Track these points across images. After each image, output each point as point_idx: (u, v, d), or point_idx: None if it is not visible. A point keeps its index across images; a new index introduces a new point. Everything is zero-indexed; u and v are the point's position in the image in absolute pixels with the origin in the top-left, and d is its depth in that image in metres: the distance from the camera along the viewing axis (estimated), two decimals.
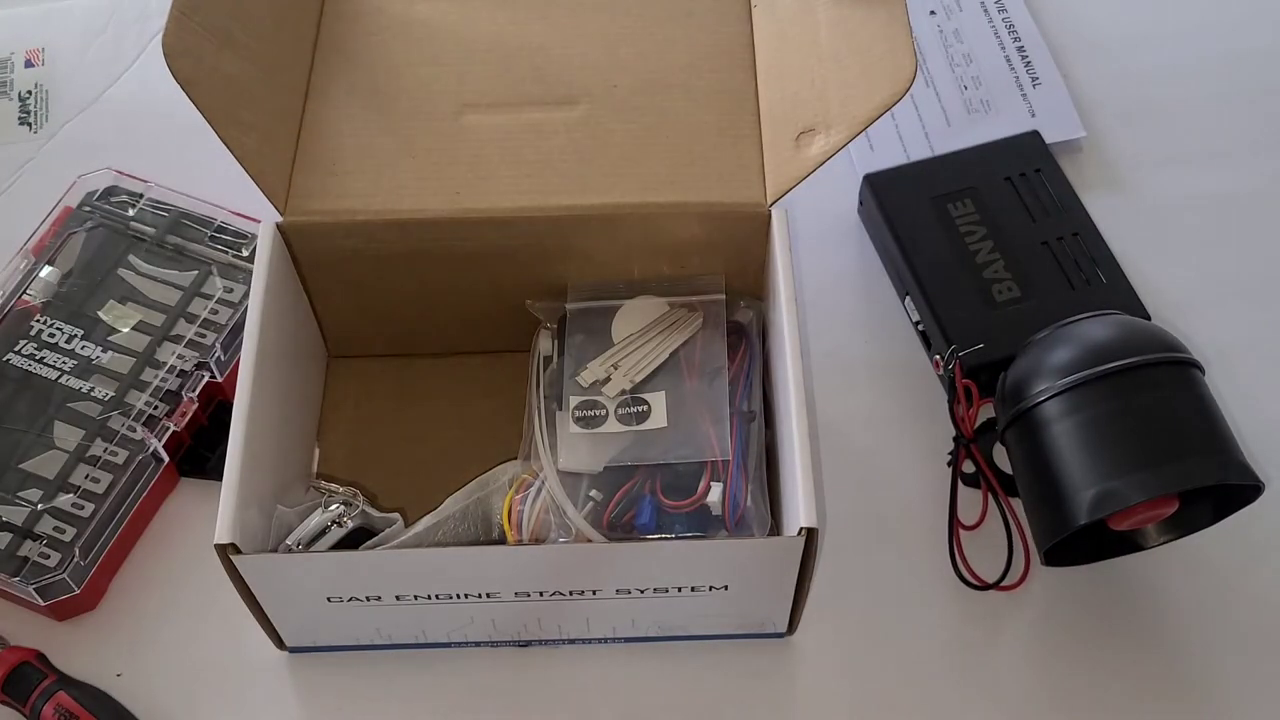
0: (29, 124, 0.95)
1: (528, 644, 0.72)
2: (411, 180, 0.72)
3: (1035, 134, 0.87)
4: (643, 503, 0.67)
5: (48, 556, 0.71)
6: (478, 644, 0.72)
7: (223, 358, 0.78)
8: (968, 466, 0.77)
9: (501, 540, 0.68)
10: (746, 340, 0.73)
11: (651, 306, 0.73)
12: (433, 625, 0.70)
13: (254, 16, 0.70)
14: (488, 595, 0.66)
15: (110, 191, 0.84)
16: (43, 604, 0.71)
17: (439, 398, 0.79)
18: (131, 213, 0.83)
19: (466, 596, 0.66)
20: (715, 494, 0.67)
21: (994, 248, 0.82)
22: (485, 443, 0.72)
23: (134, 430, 0.75)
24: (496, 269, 0.74)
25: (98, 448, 0.74)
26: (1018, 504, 0.73)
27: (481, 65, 0.76)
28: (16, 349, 0.78)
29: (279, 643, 0.72)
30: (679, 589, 0.66)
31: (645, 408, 0.70)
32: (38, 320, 0.79)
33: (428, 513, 0.69)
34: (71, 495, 0.73)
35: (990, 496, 0.75)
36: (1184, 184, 0.90)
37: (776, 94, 0.73)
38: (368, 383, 0.80)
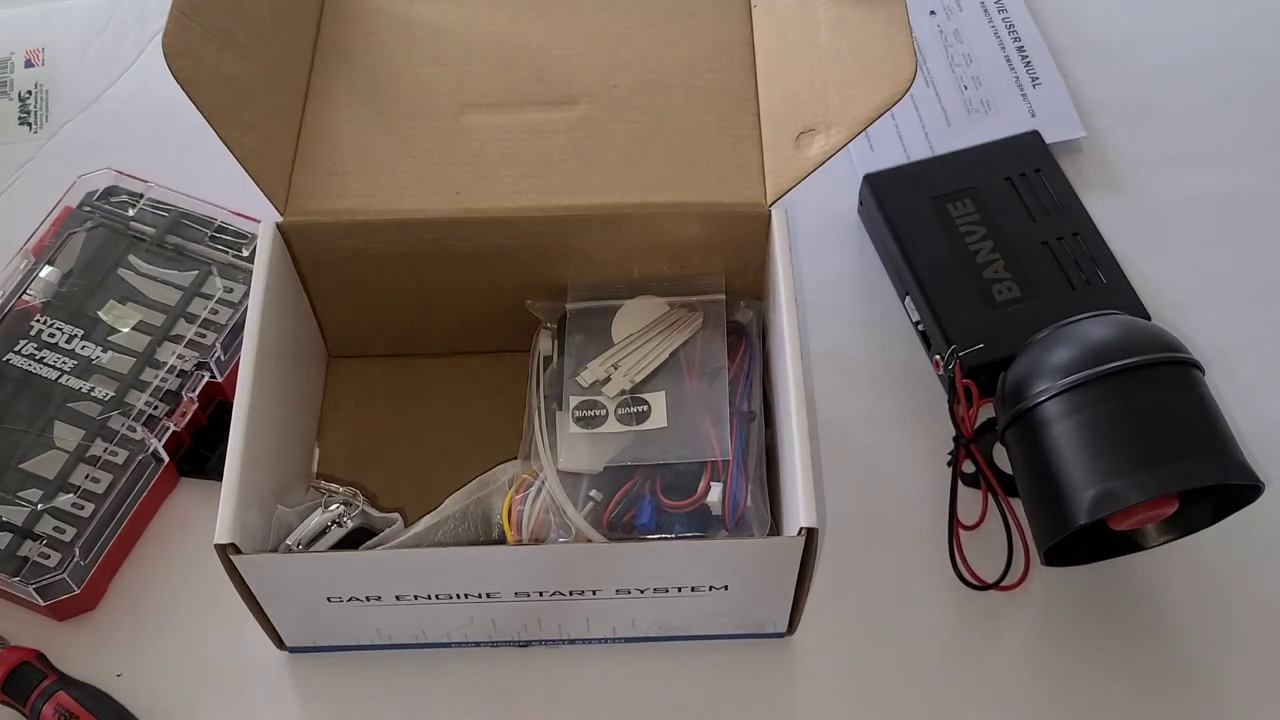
0: (29, 124, 0.95)
1: (528, 644, 0.72)
2: (411, 180, 0.72)
3: (1035, 134, 0.87)
4: (643, 503, 0.67)
5: (48, 556, 0.71)
6: (478, 644, 0.72)
7: (223, 358, 0.78)
8: (968, 466, 0.77)
9: (501, 540, 0.68)
10: (746, 340, 0.73)
11: (651, 306, 0.73)
12: (433, 625, 0.70)
13: (254, 16, 0.70)
14: (488, 595, 0.66)
15: (110, 191, 0.84)
16: (43, 604, 0.71)
17: (439, 398, 0.79)
18: (131, 213, 0.83)
19: (466, 596, 0.66)
20: (715, 494, 0.67)
21: (994, 248, 0.82)
22: (485, 443, 0.72)
23: (134, 430, 0.75)
24: (496, 269, 0.74)
25: (98, 448, 0.74)
26: (1018, 504, 0.73)
27: (481, 65, 0.76)
28: (16, 349, 0.78)
29: (279, 643, 0.72)
30: (679, 589, 0.66)
31: (645, 408, 0.70)
32: (38, 320, 0.79)
33: (428, 513, 0.69)
34: (71, 495, 0.73)
35: (990, 496, 0.75)
36: (1184, 184, 0.90)
37: (776, 94, 0.73)
38: (368, 383, 0.80)
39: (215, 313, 0.79)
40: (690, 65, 0.76)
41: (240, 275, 0.80)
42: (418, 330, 0.79)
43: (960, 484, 0.76)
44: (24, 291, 0.80)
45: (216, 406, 0.78)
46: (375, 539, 0.69)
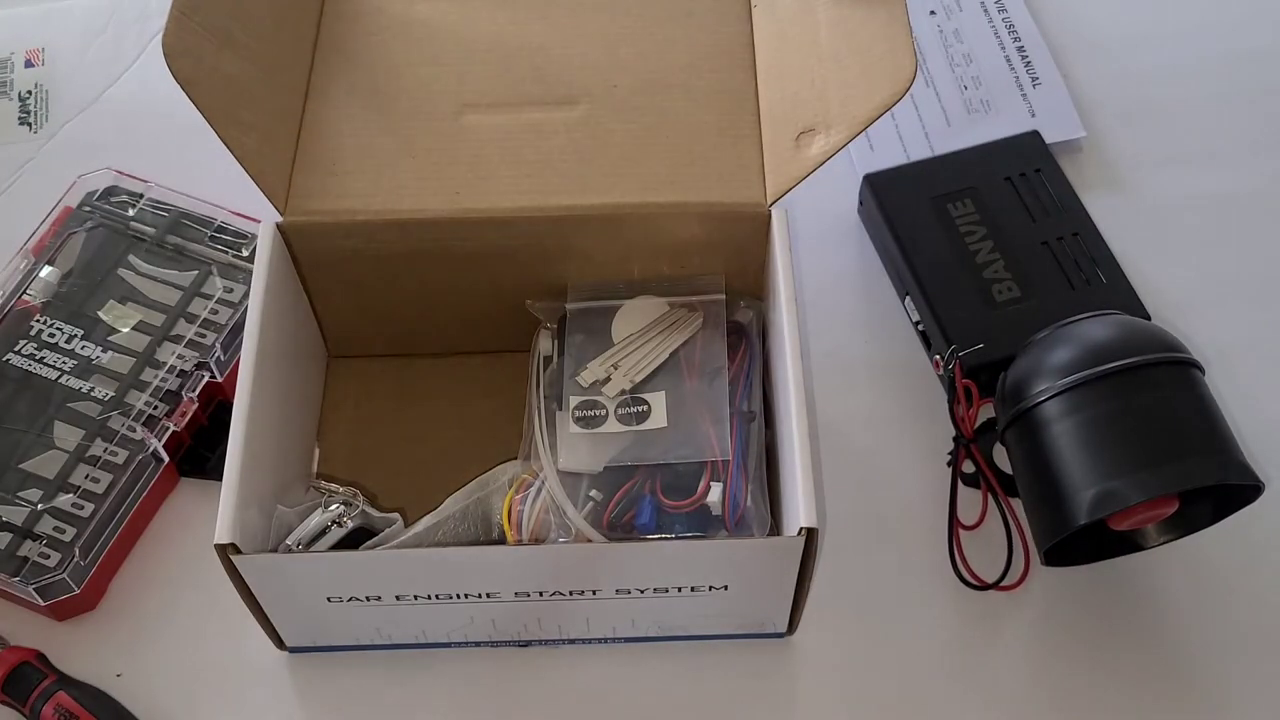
0: (29, 124, 0.95)
1: (528, 644, 0.72)
2: (411, 180, 0.72)
3: (1035, 134, 0.87)
4: (643, 503, 0.67)
5: (48, 556, 0.71)
6: (478, 644, 0.72)
7: (223, 358, 0.78)
8: (968, 466, 0.77)
9: (501, 540, 0.68)
10: (746, 340, 0.73)
11: (651, 306, 0.73)
12: (433, 625, 0.70)
13: (254, 16, 0.70)
14: (488, 595, 0.66)
15: (110, 191, 0.84)
16: (43, 604, 0.71)
17: (439, 398, 0.79)
18: (131, 213, 0.83)
19: (466, 596, 0.66)
20: (715, 494, 0.67)
21: (994, 248, 0.82)
22: (485, 443, 0.72)
23: (134, 430, 0.75)
24: (496, 269, 0.74)
25: (98, 448, 0.74)
26: (1018, 504, 0.73)
27: (481, 65, 0.76)
28: (16, 349, 0.78)
29: (279, 643, 0.72)
30: (679, 589, 0.66)
31: (645, 408, 0.70)
32: (38, 320, 0.79)
33: (428, 513, 0.69)
34: (71, 495, 0.73)
35: (990, 496, 0.75)
36: (1184, 184, 0.90)
37: (776, 94, 0.73)
38: (368, 383, 0.80)
39: (215, 313, 0.79)
40: (690, 65, 0.76)
41: (240, 275, 0.80)
42: (418, 330, 0.79)
43: (960, 484, 0.76)
44: (24, 291, 0.80)
45: (216, 406, 0.78)
46: (375, 539, 0.69)
